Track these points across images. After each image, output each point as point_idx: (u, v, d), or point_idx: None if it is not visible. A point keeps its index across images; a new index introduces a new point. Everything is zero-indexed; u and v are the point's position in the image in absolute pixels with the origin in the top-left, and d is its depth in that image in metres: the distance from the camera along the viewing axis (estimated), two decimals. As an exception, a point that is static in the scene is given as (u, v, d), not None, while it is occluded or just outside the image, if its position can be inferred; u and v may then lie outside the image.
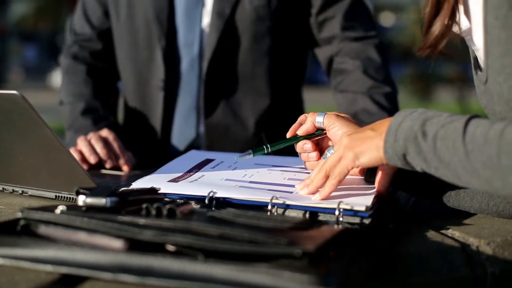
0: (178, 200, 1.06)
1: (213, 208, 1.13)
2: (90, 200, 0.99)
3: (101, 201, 0.98)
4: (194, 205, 1.11)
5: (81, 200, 0.99)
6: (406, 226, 1.17)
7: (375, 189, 1.17)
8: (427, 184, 1.18)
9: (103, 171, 1.62)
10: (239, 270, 0.80)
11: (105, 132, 1.69)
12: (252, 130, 1.89)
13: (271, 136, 1.89)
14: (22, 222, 0.94)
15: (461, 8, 1.15)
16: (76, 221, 0.91)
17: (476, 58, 1.19)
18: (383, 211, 1.14)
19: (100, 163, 1.63)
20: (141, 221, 0.93)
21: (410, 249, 1.05)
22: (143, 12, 1.88)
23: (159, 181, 1.22)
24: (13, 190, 1.36)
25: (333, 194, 1.14)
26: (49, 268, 0.86)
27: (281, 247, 0.84)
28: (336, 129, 1.24)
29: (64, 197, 1.28)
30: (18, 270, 0.90)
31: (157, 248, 0.87)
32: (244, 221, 0.97)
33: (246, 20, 1.84)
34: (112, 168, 1.63)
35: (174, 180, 1.24)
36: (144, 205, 0.99)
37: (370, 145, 1.09)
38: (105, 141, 1.65)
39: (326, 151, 1.21)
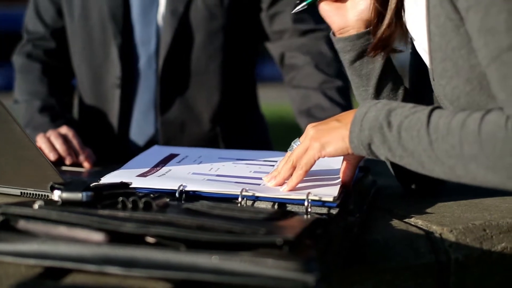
0: (151, 194, 1.07)
1: (182, 201, 1.14)
2: (66, 195, 1.00)
3: (77, 195, 0.99)
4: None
5: (57, 195, 1.00)
6: (370, 214, 1.21)
7: (340, 179, 1.20)
8: None
9: (64, 168, 1.61)
10: (223, 259, 0.82)
11: (64, 129, 1.69)
12: (207, 125, 1.91)
13: (226, 130, 1.91)
14: (0, 218, 0.94)
15: (405, 13, 1.20)
16: (56, 215, 0.92)
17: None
18: (349, 201, 1.18)
19: (60, 160, 1.63)
20: (120, 214, 0.94)
21: (377, 237, 1.09)
22: (97, 11, 1.88)
23: (128, 176, 1.23)
24: (-26, 188, 1.35)
25: (300, 185, 1.17)
26: (32, 261, 0.87)
27: (261, 236, 0.87)
28: None
29: (30, 193, 1.28)
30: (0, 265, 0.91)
31: (136, 241, 0.89)
32: (219, 213, 0.99)
33: (199, 18, 1.86)
34: (72, 165, 1.63)
35: (143, 175, 1.25)
36: (120, 199, 1.01)
37: (336, 136, 1.13)
38: (64, 138, 1.64)
39: (292, 143, 1.24)
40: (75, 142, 1.65)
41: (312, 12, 1.91)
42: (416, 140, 1.04)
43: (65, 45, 1.97)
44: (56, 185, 1.02)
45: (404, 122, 1.06)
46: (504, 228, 1.14)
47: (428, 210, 1.24)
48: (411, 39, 1.25)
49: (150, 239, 0.90)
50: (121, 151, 1.86)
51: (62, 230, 0.91)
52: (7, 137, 1.20)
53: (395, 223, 1.16)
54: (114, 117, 1.90)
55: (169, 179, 1.23)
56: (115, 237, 0.89)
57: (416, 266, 1.07)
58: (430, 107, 1.06)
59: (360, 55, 1.30)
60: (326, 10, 1.31)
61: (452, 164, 1.02)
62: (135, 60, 1.89)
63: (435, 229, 1.13)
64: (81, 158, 1.63)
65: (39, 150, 1.19)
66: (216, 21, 1.87)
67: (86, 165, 1.64)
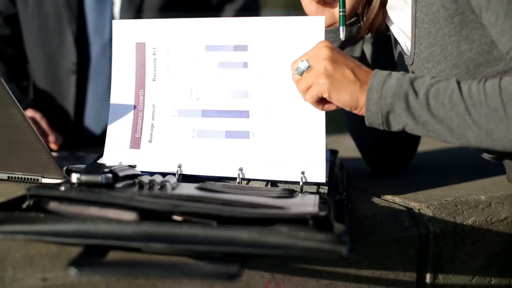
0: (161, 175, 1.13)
1: (178, 181, 1.20)
2: (85, 178, 1.04)
3: (97, 178, 1.04)
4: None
5: (75, 177, 1.04)
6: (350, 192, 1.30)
7: (324, 158, 1.26)
8: None
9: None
10: (262, 233, 0.89)
11: (30, 112, 1.70)
12: None
13: None
14: (31, 200, 0.98)
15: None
16: (91, 196, 0.96)
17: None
18: (332, 179, 1.27)
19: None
20: (147, 193, 1.00)
21: (366, 213, 1.18)
22: None
23: (121, 151, 1.28)
24: (-44, 172, 1.35)
25: (286, 162, 1.23)
26: (74, 241, 0.91)
27: (287, 211, 0.95)
28: None
29: (18, 177, 1.30)
30: (30, 245, 0.95)
31: (164, 219, 0.95)
32: (234, 191, 1.06)
33: (156, 6, 1.90)
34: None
35: (135, 146, 1.30)
36: (136, 180, 1.06)
37: (348, 90, 1.14)
38: (33, 121, 1.66)
39: (299, 64, 1.18)
40: (43, 124, 1.67)
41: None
42: (448, 107, 1.09)
43: (19, 31, 1.97)
44: (74, 168, 1.06)
45: (431, 90, 1.10)
46: (472, 204, 1.26)
47: (401, 188, 1.34)
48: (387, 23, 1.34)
49: (177, 217, 0.96)
50: (77, 137, 1.88)
51: (94, 210, 0.96)
52: (4, 122, 1.22)
53: (376, 200, 1.26)
54: (70, 102, 1.91)
55: (162, 153, 1.27)
56: (144, 216, 0.95)
57: (401, 239, 1.17)
58: (452, 78, 1.12)
59: (343, 45, 1.37)
60: (313, 10, 1.35)
61: (491, 128, 1.07)
62: (90, 47, 1.91)
63: (414, 205, 1.23)
64: (51, 139, 1.66)
65: (37, 135, 1.22)
66: (172, 8, 1.91)
67: (54, 147, 1.66)
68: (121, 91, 1.32)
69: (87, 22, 1.91)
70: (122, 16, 1.87)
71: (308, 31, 1.23)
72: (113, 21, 1.35)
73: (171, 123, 1.29)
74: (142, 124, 1.30)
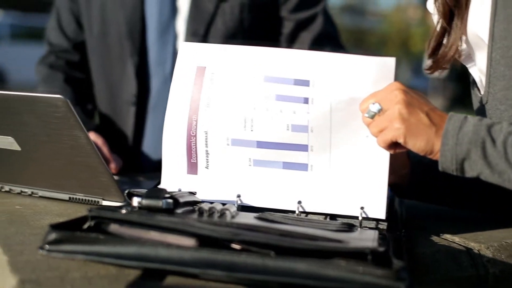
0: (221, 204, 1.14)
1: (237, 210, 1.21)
2: (146, 202, 1.05)
3: (158, 203, 1.05)
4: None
5: (136, 201, 1.05)
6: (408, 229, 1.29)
7: (386, 194, 1.25)
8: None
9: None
10: (321, 265, 0.89)
11: (93, 136, 1.72)
12: None
13: None
14: (92, 221, 0.99)
15: (465, 38, 1.28)
16: (150, 220, 0.97)
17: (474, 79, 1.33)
18: (392, 215, 1.26)
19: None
20: (207, 220, 1.00)
21: (424, 250, 1.17)
22: (116, 28, 1.93)
23: (179, 176, 1.28)
24: (21, 191, 1.38)
25: (346, 196, 1.23)
26: (134, 264, 0.92)
27: (346, 245, 0.94)
28: None
29: (79, 198, 1.32)
30: (89, 265, 0.96)
31: (222, 246, 0.95)
32: (294, 223, 1.06)
33: (219, 39, 1.90)
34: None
35: (192, 171, 1.30)
36: (196, 207, 1.07)
37: (424, 135, 1.12)
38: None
39: (369, 106, 1.16)
40: (105, 149, 1.69)
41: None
42: None
43: (87, 57, 2.01)
44: (135, 192, 1.08)
45: (509, 139, 1.08)
46: (533, 246, 1.24)
47: (460, 228, 1.32)
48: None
49: (235, 246, 0.96)
50: (135, 164, 1.90)
51: (153, 234, 0.97)
52: (69, 144, 1.25)
53: (435, 239, 1.25)
54: (128, 132, 1.94)
55: (221, 182, 1.28)
56: (203, 243, 0.95)
57: (459, 279, 1.15)
58: None
59: None
60: None
61: None
62: (151, 80, 1.93)
63: (473, 245, 1.22)
64: (112, 165, 1.68)
65: (101, 158, 1.24)
66: (236, 41, 1.92)
67: (113, 171, 1.68)
68: (175, 115, 1.30)
69: (149, 54, 1.93)
70: None
71: (378, 72, 1.21)
72: (181, 42, 1.34)
73: (226, 151, 1.27)
74: (196, 150, 1.29)
